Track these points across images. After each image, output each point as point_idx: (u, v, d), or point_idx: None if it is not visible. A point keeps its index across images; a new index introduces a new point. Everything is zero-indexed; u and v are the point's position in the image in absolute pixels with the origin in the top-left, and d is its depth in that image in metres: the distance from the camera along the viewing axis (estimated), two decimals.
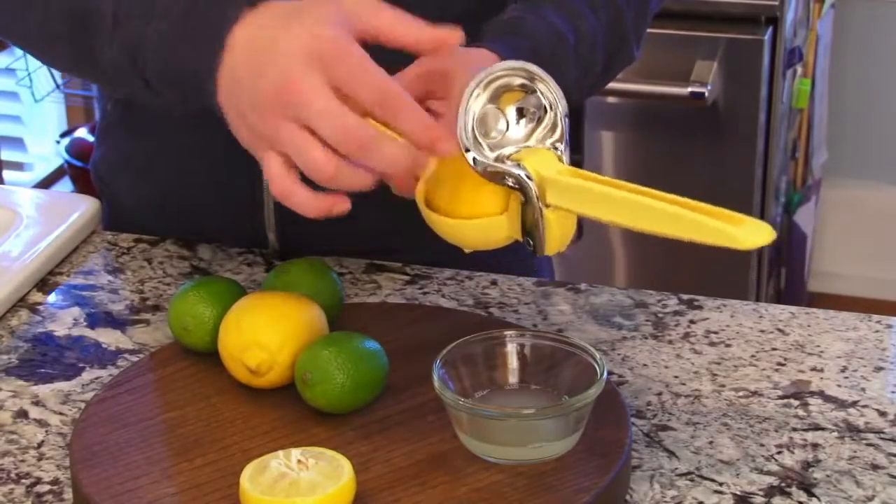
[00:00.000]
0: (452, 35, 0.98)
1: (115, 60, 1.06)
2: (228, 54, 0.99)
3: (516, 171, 0.96)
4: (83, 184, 2.95)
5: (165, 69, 1.03)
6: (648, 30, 1.25)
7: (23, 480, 1.01)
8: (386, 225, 1.25)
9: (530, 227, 0.98)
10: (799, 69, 2.64)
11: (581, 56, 1.16)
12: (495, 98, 0.98)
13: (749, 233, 0.91)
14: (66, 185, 3.11)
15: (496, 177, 0.97)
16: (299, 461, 0.93)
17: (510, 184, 0.97)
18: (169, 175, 1.31)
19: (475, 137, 0.97)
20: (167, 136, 1.30)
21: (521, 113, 0.98)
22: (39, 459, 1.03)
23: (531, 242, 0.98)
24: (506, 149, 0.98)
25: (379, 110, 0.94)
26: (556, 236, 0.98)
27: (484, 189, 0.98)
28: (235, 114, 0.99)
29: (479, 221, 0.99)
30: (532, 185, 0.96)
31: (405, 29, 0.98)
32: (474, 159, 0.96)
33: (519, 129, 0.98)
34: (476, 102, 0.97)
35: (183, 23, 1.02)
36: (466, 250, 1.03)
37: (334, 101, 0.94)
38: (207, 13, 1.01)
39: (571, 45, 1.14)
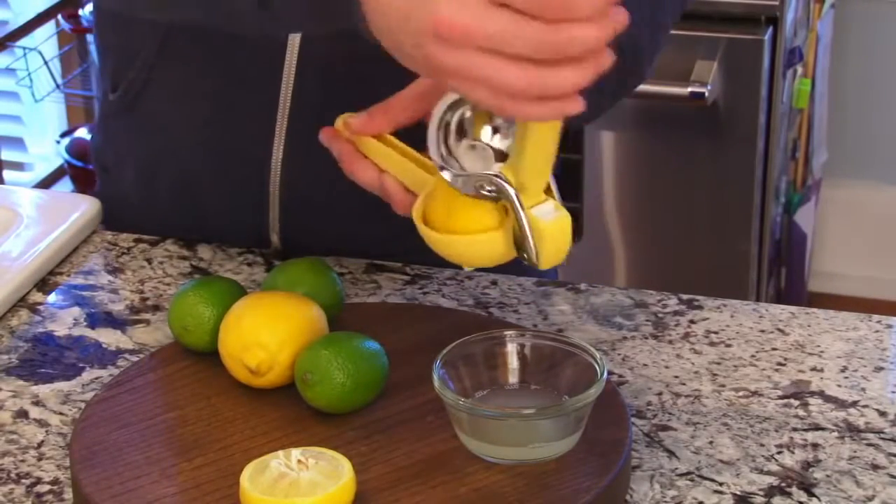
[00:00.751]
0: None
1: None
2: None
3: (488, 174, 0.95)
4: (83, 184, 2.94)
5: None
6: None
7: (23, 480, 1.01)
8: (388, 233, 1.25)
9: (518, 235, 0.96)
10: (799, 69, 2.64)
11: None
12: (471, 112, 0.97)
13: None
14: (66, 185, 3.11)
15: (475, 188, 0.96)
16: (299, 461, 0.93)
17: (488, 191, 0.96)
18: (174, 173, 1.31)
19: (449, 153, 0.96)
20: (175, 134, 1.29)
21: (495, 130, 0.97)
22: (39, 459, 1.03)
23: (526, 255, 0.97)
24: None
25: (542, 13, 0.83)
26: (551, 249, 0.97)
27: (478, 205, 0.98)
28: (394, 47, 0.93)
29: (474, 237, 0.98)
30: (508, 186, 0.95)
31: None
32: (450, 175, 0.96)
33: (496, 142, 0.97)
34: (451, 118, 0.96)
35: None
36: (466, 268, 1.03)
37: (501, 15, 0.84)
38: None
39: None
